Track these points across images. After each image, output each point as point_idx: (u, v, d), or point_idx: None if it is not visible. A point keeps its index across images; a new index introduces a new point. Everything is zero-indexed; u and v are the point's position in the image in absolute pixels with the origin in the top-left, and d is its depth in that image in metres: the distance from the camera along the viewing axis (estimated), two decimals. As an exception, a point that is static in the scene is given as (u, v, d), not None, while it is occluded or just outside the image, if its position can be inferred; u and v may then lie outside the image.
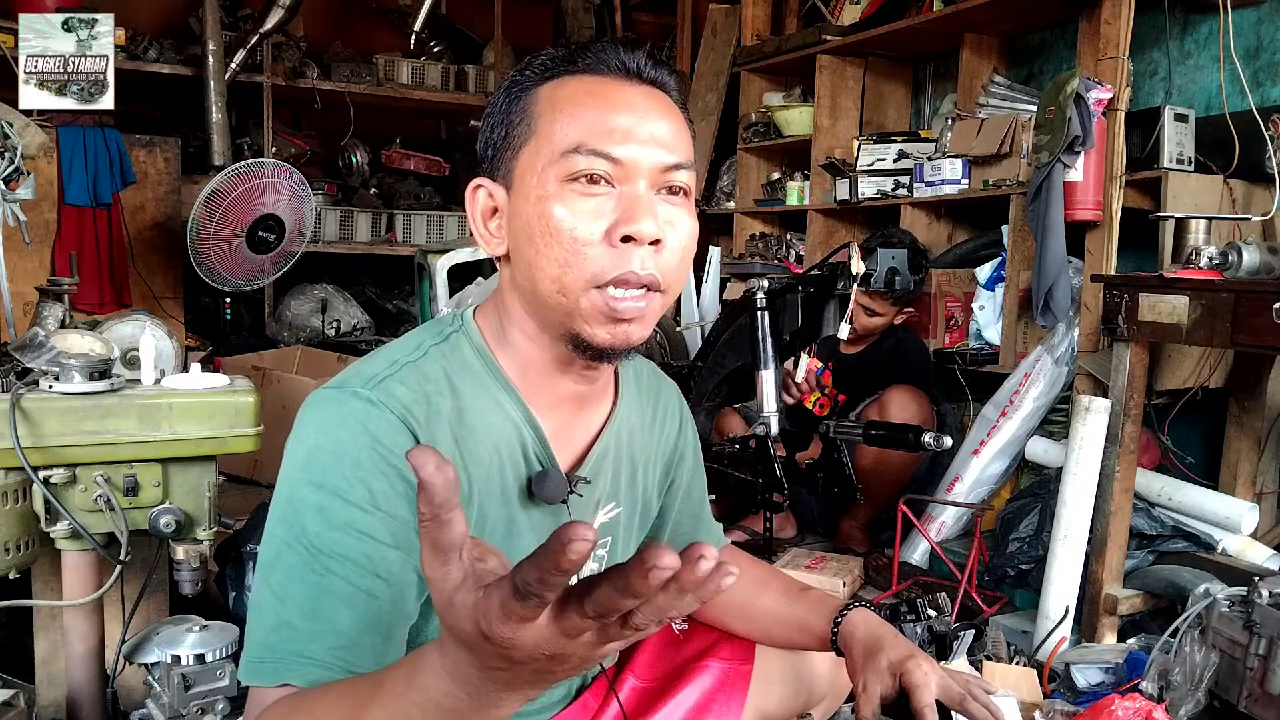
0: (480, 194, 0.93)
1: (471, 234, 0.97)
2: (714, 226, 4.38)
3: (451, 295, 3.35)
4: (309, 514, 0.82)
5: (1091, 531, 2.09)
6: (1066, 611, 2.05)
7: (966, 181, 2.95)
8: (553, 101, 0.87)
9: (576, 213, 0.85)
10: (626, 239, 0.84)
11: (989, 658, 1.92)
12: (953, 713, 1.02)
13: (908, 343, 2.81)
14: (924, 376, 2.73)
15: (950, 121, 3.07)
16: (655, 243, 0.86)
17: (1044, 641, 2.03)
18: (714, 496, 2.45)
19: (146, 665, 1.49)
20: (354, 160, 4.78)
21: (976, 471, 2.60)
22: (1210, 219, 2.10)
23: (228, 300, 4.19)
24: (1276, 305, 1.71)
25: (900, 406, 2.54)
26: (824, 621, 1.12)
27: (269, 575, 0.83)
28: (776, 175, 3.94)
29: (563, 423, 0.98)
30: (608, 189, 0.85)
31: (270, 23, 4.19)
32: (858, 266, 2.15)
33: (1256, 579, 1.73)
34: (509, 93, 0.91)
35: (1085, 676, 1.85)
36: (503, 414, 0.93)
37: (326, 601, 0.80)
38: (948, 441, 1.92)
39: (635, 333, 0.88)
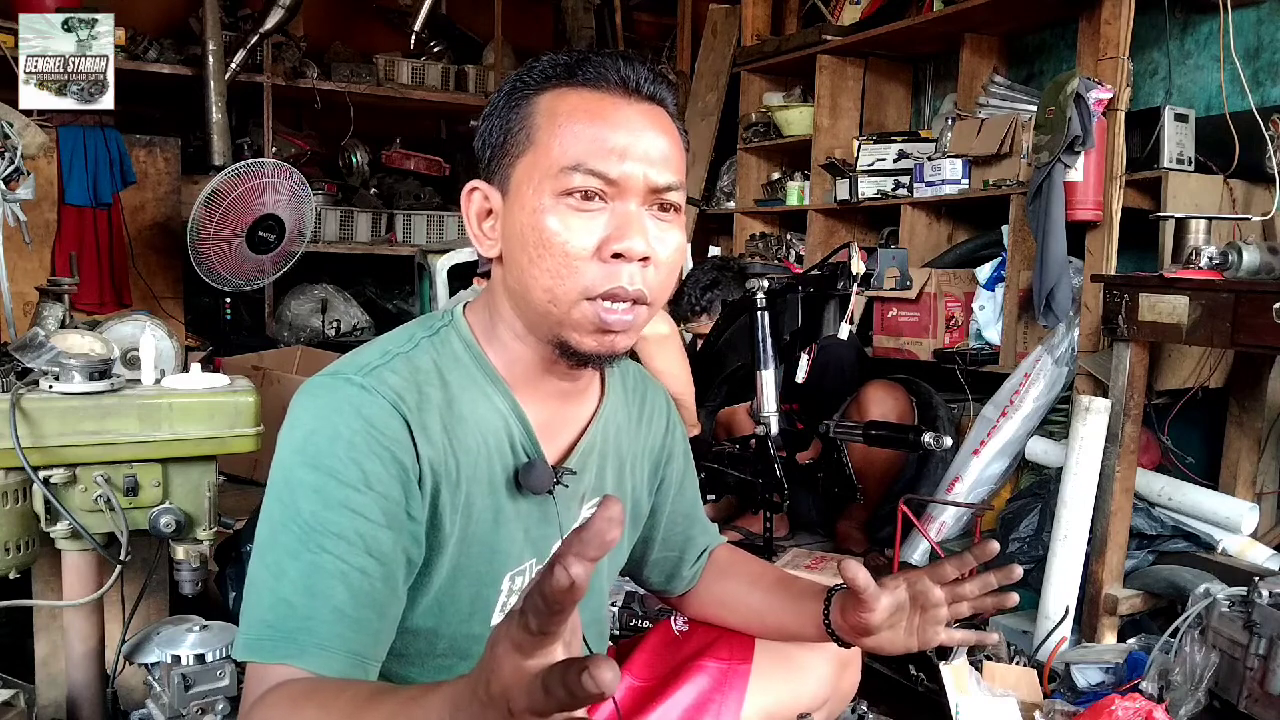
0: (476, 196, 0.95)
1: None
2: (714, 226, 4.38)
3: (451, 295, 3.35)
4: (304, 494, 0.84)
5: (1091, 531, 2.09)
6: (1066, 611, 2.05)
7: (966, 181, 2.95)
8: (552, 115, 0.89)
9: (570, 227, 0.87)
10: (617, 255, 0.87)
11: (989, 658, 1.92)
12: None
13: None
14: (847, 350, 2.69)
15: (950, 121, 3.07)
16: (644, 259, 0.89)
17: (1044, 641, 2.04)
18: (714, 496, 2.48)
19: (146, 665, 1.49)
20: (354, 160, 4.78)
21: (976, 471, 2.60)
22: (1210, 219, 2.10)
23: (228, 300, 4.19)
24: (1276, 305, 1.71)
25: (877, 402, 2.54)
26: (816, 600, 1.12)
27: (265, 555, 0.85)
28: (776, 175, 3.94)
29: (550, 416, 1.00)
30: (601, 205, 0.88)
31: (270, 23, 4.18)
32: (858, 267, 2.15)
33: (1256, 579, 1.73)
34: (509, 98, 0.93)
35: (1085, 676, 1.86)
36: (491, 405, 0.95)
37: (321, 579, 0.82)
38: (947, 441, 1.92)
39: (621, 342, 0.92)
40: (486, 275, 1.15)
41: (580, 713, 0.52)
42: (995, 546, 1.01)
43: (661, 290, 0.92)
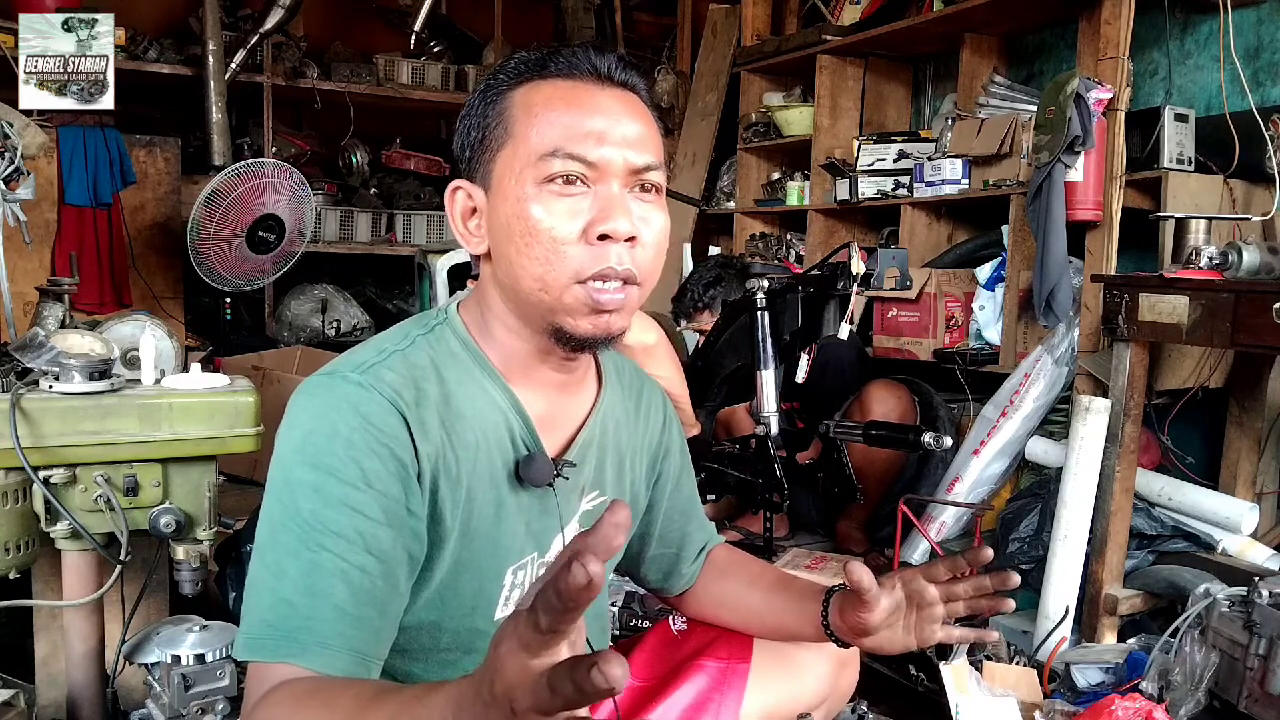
0: (459, 195, 0.96)
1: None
2: (714, 226, 4.38)
3: (451, 295, 3.35)
4: (303, 493, 0.85)
5: (1091, 531, 2.09)
6: (1066, 611, 2.05)
7: (966, 181, 2.95)
8: (528, 106, 0.90)
9: (554, 213, 0.88)
10: (603, 237, 0.88)
11: (989, 658, 1.92)
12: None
13: None
14: (847, 350, 2.69)
15: (950, 121, 3.07)
16: (630, 239, 0.89)
17: (1044, 641, 2.04)
18: (714, 496, 2.48)
19: (146, 665, 1.49)
20: (354, 160, 4.78)
21: (976, 472, 2.60)
22: (1210, 219, 2.10)
23: (228, 300, 4.19)
24: (1276, 305, 1.71)
25: (880, 401, 2.54)
26: (814, 600, 1.12)
27: (265, 554, 0.85)
28: (776, 175, 3.94)
29: (548, 408, 1.00)
30: (583, 189, 0.89)
31: (270, 23, 4.18)
32: (858, 267, 2.15)
33: (1256, 579, 1.73)
34: (484, 96, 0.94)
35: (1085, 676, 1.86)
36: (489, 399, 0.96)
37: (322, 578, 0.82)
38: (947, 441, 1.92)
39: (615, 322, 0.92)
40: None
41: (583, 712, 0.52)
42: (989, 553, 1.02)
43: (649, 271, 0.93)
